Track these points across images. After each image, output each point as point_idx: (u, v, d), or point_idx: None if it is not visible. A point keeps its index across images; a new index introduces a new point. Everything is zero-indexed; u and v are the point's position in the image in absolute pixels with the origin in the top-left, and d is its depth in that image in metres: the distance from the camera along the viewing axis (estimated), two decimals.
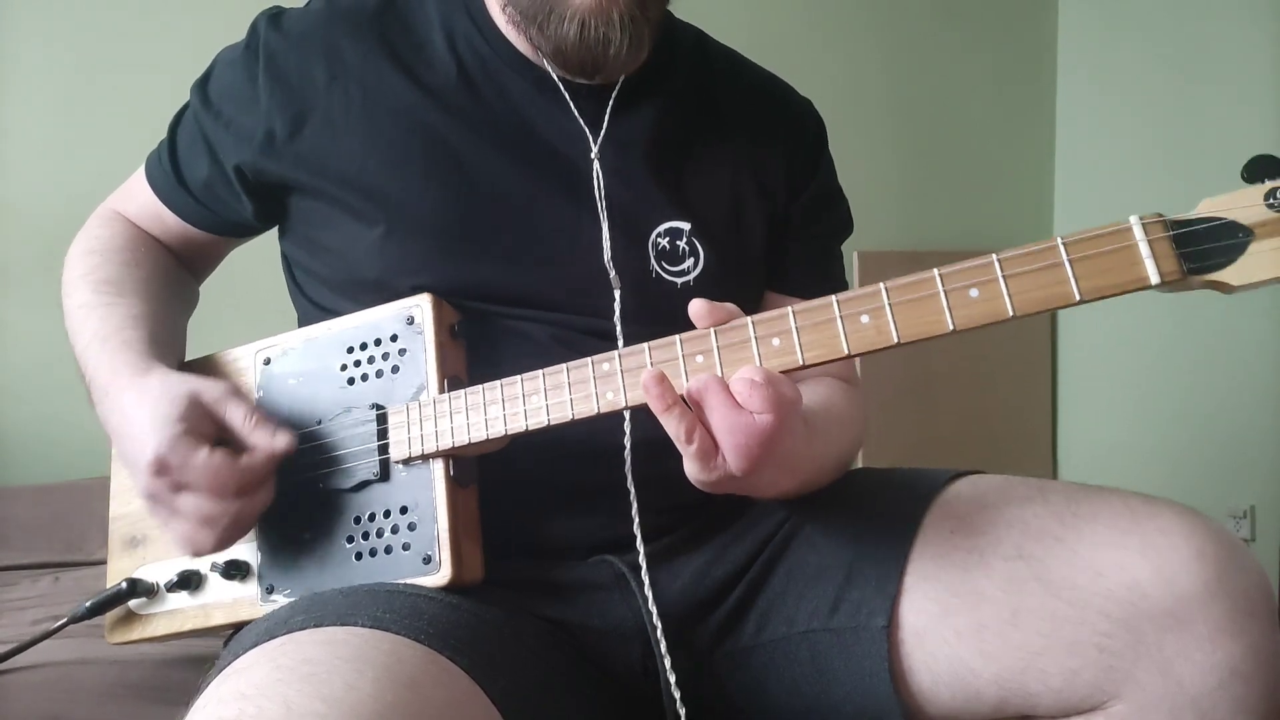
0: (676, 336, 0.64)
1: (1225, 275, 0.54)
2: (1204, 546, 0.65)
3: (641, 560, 0.72)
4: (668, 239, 0.81)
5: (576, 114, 0.81)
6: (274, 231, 0.89)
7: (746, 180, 0.87)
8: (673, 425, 0.61)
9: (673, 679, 0.70)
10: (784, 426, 0.60)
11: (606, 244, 0.79)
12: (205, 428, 0.71)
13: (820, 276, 0.91)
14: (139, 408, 0.71)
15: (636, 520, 0.73)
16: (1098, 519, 0.69)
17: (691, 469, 0.63)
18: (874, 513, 0.77)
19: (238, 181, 0.83)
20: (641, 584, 0.73)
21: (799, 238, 0.90)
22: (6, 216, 1.67)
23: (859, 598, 0.73)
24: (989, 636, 0.69)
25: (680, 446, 0.62)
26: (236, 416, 0.72)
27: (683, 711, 0.69)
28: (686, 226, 0.82)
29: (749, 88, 0.93)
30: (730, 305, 0.65)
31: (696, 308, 0.64)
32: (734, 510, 0.83)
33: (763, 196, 0.88)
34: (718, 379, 0.61)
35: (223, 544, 0.71)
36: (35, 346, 1.65)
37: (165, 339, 0.81)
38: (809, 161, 0.92)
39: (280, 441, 0.72)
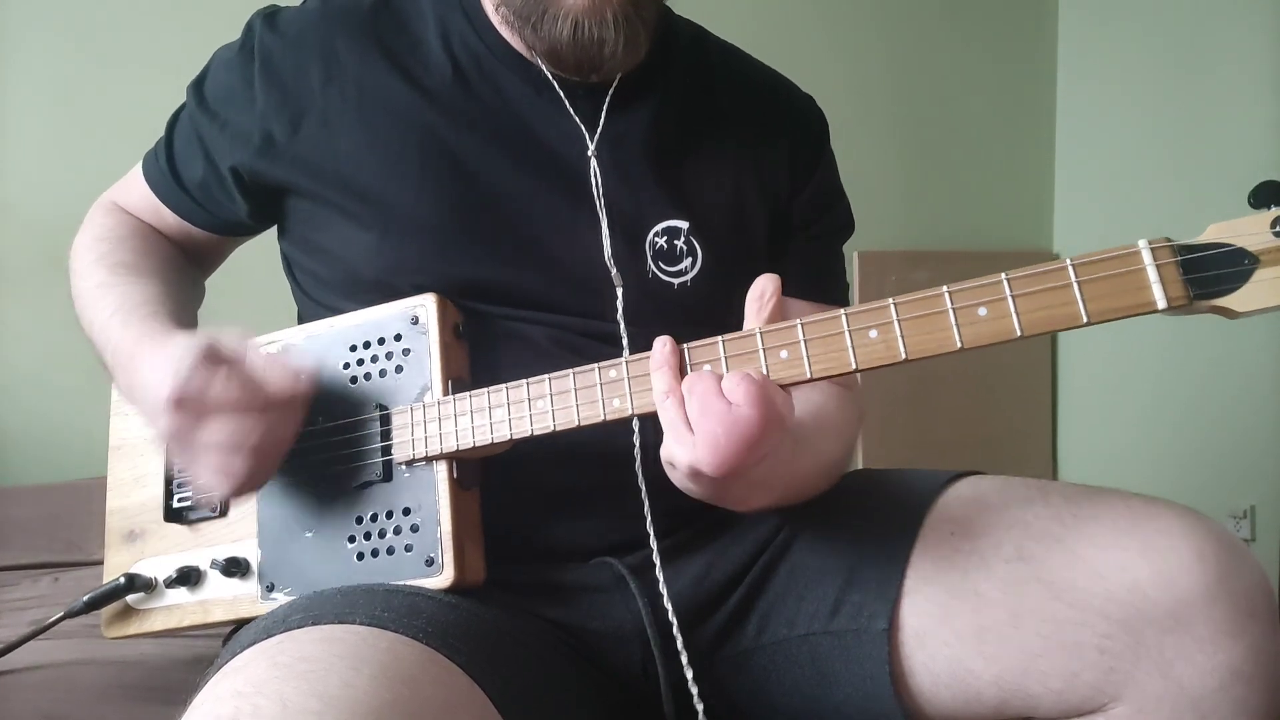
0: (684, 345, 0.64)
1: (1230, 301, 0.53)
2: (1204, 547, 0.65)
3: (656, 560, 0.72)
4: (665, 238, 0.81)
5: (572, 113, 0.81)
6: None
7: (748, 178, 0.86)
8: (659, 382, 0.62)
9: (690, 675, 0.69)
10: (765, 430, 0.58)
11: (607, 243, 0.78)
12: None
13: (821, 277, 0.90)
14: (154, 368, 0.69)
15: (650, 521, 0.72)
16: (1098, 520, 0.69)
17: (665, 445, 0.62)
18: (874, 515, 0.77)
19: (233, 182, 0.82)
20: (644, 585, 0.74)
21: (799, 237, 0.90)
22: (6, 216, 1.67)
23: (859, 600, 0.73)
24: (989, 638, 0.69)
25: (658, 406, 0.62)
26: (255, 358, 0.69)
27: (700, 708, 0.68)
28: (684, 225, 0.81)
29: (750, 84, 0.92)
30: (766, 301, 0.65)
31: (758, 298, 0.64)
32: (733, 513, 0.82)
33: (764, 195, 0.87)
34: (711, 373, 0.61)
35: (257, 470, 0.67)
36: (35, 346, 1.65)
37: (185, 321, 0.79)
38: (811, 159, 0.91)
39: (302, 378, 0.69)
